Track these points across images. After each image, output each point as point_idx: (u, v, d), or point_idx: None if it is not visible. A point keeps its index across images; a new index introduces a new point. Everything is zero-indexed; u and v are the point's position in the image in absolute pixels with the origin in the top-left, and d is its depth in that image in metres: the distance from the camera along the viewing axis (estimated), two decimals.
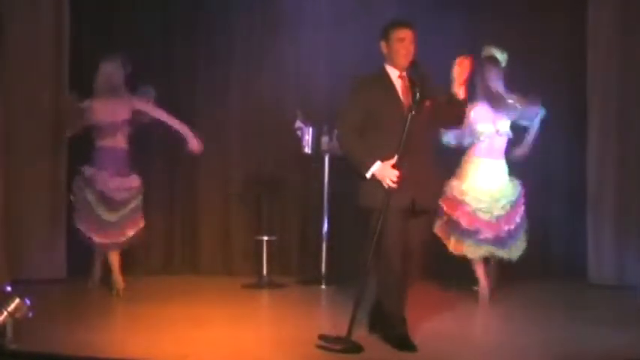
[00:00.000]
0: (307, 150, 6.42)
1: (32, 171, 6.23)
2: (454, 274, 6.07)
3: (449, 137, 5.74)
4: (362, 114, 4.34)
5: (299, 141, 6.42)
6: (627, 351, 4.33)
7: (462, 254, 5.65)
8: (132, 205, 5.98)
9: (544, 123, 5.84)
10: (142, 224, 6.04)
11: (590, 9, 6.36)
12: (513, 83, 5.81)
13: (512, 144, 5.83)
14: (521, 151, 5.83)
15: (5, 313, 4.09)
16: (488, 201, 5.64)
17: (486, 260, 5.75)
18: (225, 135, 6.91)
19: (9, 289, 4.29)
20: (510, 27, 6.60)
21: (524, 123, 5.80)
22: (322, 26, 6.80)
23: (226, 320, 5.07)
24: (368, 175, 4.25)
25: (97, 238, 5.86)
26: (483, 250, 5.64)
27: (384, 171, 4.21)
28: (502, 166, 5.78)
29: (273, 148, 6.87)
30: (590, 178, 6.40)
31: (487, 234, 5.61)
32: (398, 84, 4.36)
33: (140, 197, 6.04)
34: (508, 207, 5.69)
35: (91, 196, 5.85)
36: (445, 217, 5.65)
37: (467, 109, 4.52)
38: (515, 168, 5.85)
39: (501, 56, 5.75)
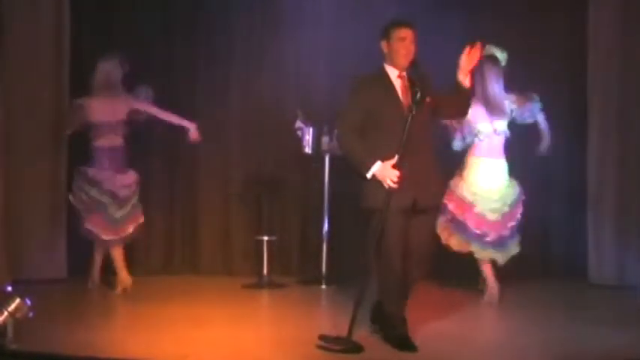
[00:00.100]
0: (308, 150, 6.42)
1: (32, 171, 6.23)
2: (454, 273, 6.09)
3: (457, 144, 5.78)
4: (362, 114, 4.34)
5: (299, 141, 6.42)
6: (627, 351, 4.33)
7: (468, 252, 5.66)
8: (133, 200, 6.05)
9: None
10: (141, 220, 6.09)
11: (591, 9, 6.36)
12: (513, 83, 5.81)
13: (509, 143, 5.83)
14: (544, 144, 5.85)
15: (6, 313, 4.09)
16: (495, 200, 5.66)
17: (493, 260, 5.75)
18: (225, 135, 6.91)
19: (9, 289, 4.30)
20: (510, 27, 6.60)
21: (523, 121, 5.81)
22: (322, 26, 6.80)
23: (226, 320, 5.07)
24: (368, 175, 4.25)
25: (105, 236, 5.91)
26: (489, 253, 5.64)
27: (384, 171, 4.21)
28: (503, 166, 5.78)
29: (274, 148, 6.87)
30: (590, 178, 6.40)
31: (492, 236, 5.62)
32: (397, 84, 4.37)
33: (137, 192, 6.08)
34: (507, 208, 5.70)
35: (100, 196, 5.88)
36: (449, 216, 5.65)
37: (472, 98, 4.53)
38: (516, 168, 5.85)
39: (501, 55, 5.75)
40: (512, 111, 5.75)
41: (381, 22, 4.47)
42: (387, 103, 4.32)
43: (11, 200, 6.02)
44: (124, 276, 5.97)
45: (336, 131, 4.63)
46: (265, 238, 6.55)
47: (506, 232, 5.68)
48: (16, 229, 6.10)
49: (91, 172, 5.94)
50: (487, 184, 5.69)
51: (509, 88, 5.76)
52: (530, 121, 5.81)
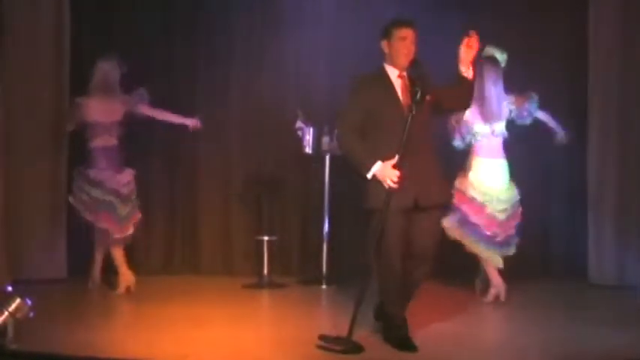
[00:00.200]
0: (308, 150, 6.42)
1: (32, 171, 6.23)
2: (454, 273, 6.08)
3: (457, 143, 5.79)
4: (361, 114, 4.33)
5: (299, 141, 6.42)
6: (627, 351, 4.33)
7: (476, 253, 5.69)
8: (133, 198, 6.09)
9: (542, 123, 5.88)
10: (139, 216, 6.12)
11: (591, 9, 6.36)
12: (513, 83, 5.81)
13: (509, 143, 5.83)
14: (559, 136, 5.88)
15: (6, 313, 4.09)
16: (502, 200, 5.67)
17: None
18: (226, 135, 6.91)
19: (10, 289, 4.30)
20: (510, 27, 6.60)
21: (523, 122, 5.81)
22: (322, 26, 6.80)
23: (227, 320, 5.07)
24: (369, 175, 4.24)
25: (116, 234, 5.92)
26: (494, 253, 5.66)
27: (384, 171, 4.20)
28: (504, 165, 5.79)
29: (274, 148, 6.87)
30: (590, 177, 6.40)
31: (501, 236, 5.64)
32: (397, 83, 4.36)
33: (135, 190, 6.13)
34: (511, 208, 5.72)
35: (105, 196, 5.90)
36: (460, 216, 5.65)
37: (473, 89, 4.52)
38: (516, 168, 5.85)
39: (501, 57, 5.75)
40: (510, 111, 5.75)
41: (381, 22, 4.46)
42: (386, 103, 4.32)
43: (11, 200, 6.02)
44: (126, 274, 5.98)
45: (336, 131, 4.63)
46: (265, 238, 6.55)
47: (512, 232, 5.71)
48: (17, 229, 6.10)
49: (91, 173, 5.95)
50: (494, 184, 5.71)
51: (509, 88, 5.76)
52: (528, 121, 5.80)
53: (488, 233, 5.62)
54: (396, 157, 4.18)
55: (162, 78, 6.76)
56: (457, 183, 5.71)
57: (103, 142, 5.96)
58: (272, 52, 6.83)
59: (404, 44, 4.32)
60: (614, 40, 6.30)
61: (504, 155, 5.79)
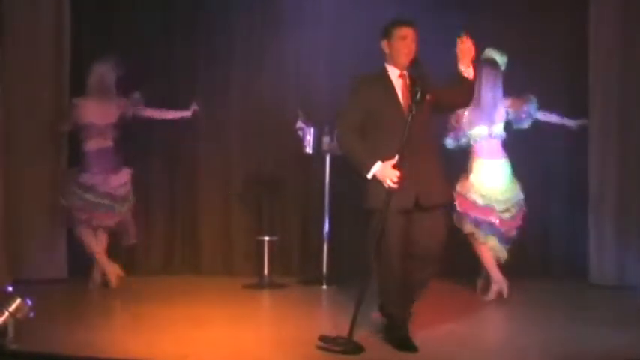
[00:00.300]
0: (308, 150, 6.41)
1: (32, 171, 6.23)
2: (454, 273, 6.08)
3: (448, 141, 5.79)
4: (361, 114, 4.33)
5: (300, 141, 6.42)
6: (627, 351, 4.33)
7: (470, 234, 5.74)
8: (130, 197, 6.13)
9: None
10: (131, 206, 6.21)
11: (591, 9, 6.36)
12: (513, 84, 5.81)
13: (508, 144, 5.84)
14: (573, 125, 5.98)
15: (7, 313, 4.10)
16: (502, 200, 5.68)
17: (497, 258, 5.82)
18: (226, 135, 6.91)
19: (10, 289, 4.30)
20: (510, 27, 6.60)
21: (520, 125, 5.81)
22: (322, 26, 6.80)
23: (227, 320, 5.07)
24: (369, 175, 4.23)
25: (107, 221, 6.02)
26: (491, 240, 5.70)
27: (384, 171, 4.19)
28: (505, 166, 5.79)
29: (274, 148, 6.86)
30: (591, 178, 6.39)
31: (501, 228, 5.68)
32: (398, 83, 4.35)
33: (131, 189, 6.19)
34: (514, 208, 5.73)
35: (99, 200, 5.92)
36: (469, 220, 5.69)
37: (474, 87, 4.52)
38: (516, 168, 5.85)
39: (501, 59, 5.75)
40: (508, 113, 5.75)
41: (381, 22, 4.46)
42: (386, 103, 4.31)
43: (11, 200, 6.03)
44: (110, 265, 6.05)
45: (336, 131, 4.62)
46: (266, 238, 6.55)
47: (512, 233, 5.73)
48: (17, 229, 6.11)
49: (83, 177, 5.97)
50: (495, 185, 5.72)
51: (509, 89, 5.76)
52: (527, 125, 5.80)
53: (502, 230, 5.69)
54: (396, 157, 4.17)
55: (162, 78, 6.76)
56: (458, 187, 5.73)
57: (97, 144, 5.99)
58: (272, 52, 6.83)
59: (404, 43, 4.32)
60: (614, 40, 6.30)
61: (505, 155, 5.80)
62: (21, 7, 6.26)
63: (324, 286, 6.40)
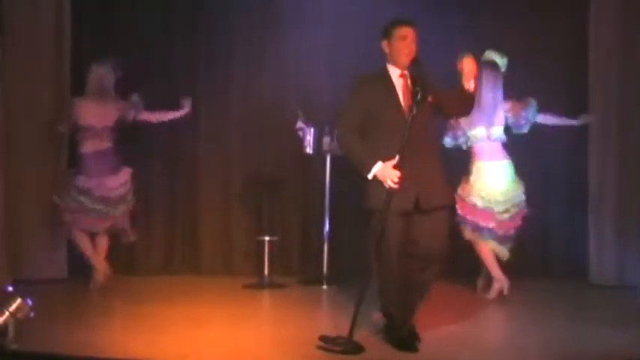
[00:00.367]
0: (309, 150, 6.41)
1: (32, 171, 6.23)
2: (455, 272, 6.08)
3: (446, 140, 5.80)
4: (361, 113, 4.32)
5: (300, 141, 6.42)
6: (627, 351, 4.33)
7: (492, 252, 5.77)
8: (129, 197, 6.13)
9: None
10: (131, 207, 6.21)
11: (592, 9, 6.36)
12: (513, 84, 5.81)
13: (507, 144, 5.85)
14: (578, 122, 5.99)
15: (7, 313, 4.10)
16: (502, 201, 5.69)
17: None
18: (226, 135, 6.91)
19: (10, 289, 4.30)
20: (510, 27, 6.61)
21: (519, 130, 5.80)
22: (322, 26, 6.80)
23: (227, 320, 5.07)
24: (369, 176, 4.22)
25: (97, 227, 6.00)
26: (492, 243, 5.71)
27: (385, 171, 4.18)
28: (507, 167, 5.79)
29: (274, 148, 6.86)
30: (591, 178, 6.39)
31: (499, 231, 5.70)
32: (399, 83, 4.34)
33: (133, 186, 6.18)
34: (515, 209, 5.74)
35: (93, 204, 5.94)
36: (470, 225, 5.72)
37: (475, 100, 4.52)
38: (516, 168, 5.85)
39: (501, 61, 5.75)
40: (507, 118, 5.76)
41: (381, 22, 4.45)
42: (387, 103, 4.30)
43: (11, 200, 6.03)
44: (102, 264, 6.05)
45: (336, 131, 4.62)
46: (266, 238, 6.55)
47: (510, 232, 5.74)
48: (17, 229, 6.11)
49: (79, 180, 5.97)
50: (496, 186, 5.73)
51: (509, 89, 5.76)
52: (526, 130, 5.80)
53: (498, 232, 5.71)
54: (397, 157, 4.15)
55: (162, 78, 6.76)
56: (459, 190, 5.75)
57: (94, 146, 5.99)
58: (272, 52, 6.83)
59: (404, 43, 4.30)
60: (614, 40, 6.30)
61: (506, 156, 5.79)
62: (21, 7, 6.25)
63: (324, 286, 6.40)
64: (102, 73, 6.01)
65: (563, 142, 6.52)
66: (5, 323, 4.09)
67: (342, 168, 5.88)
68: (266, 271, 6.50)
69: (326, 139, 6.34)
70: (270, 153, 6.88)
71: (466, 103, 4.43)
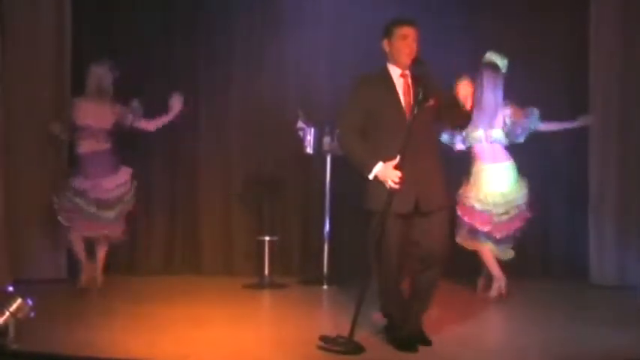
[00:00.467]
0: (309, 150, 6.41)
1: (32, 171, 6.23)
2: (455, 273, 6.08)
3: (444, 136, 5.84)
4: (361, 113, 4.30)
5: (300, 141, 6.42)
6: (627, 351, 4.33)
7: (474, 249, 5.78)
8: (127, 197, 6.11)
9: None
10: (131, 208, 6.18)
11: (592, 9, 6.36)
12: (513, 84, 5.80)
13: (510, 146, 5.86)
14: (578, 124, 5.97)
15: (7, 313, 4.10)
16: (501, 204, 5.69)
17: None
18: (226, 135, 6.91)
19: (11, 289, 4.30)
20: (510, 27, 6.61)
21: (515, 139, 5.79)
22: (322, 26, 6.80)
23: (227, 320, 5.07)
24: (370, 176, 4.21)
25: (91, 232, 5.98)
26: (490, 245, 5.71)
27: (386, 172, 4.16)
28: (508, 169, 5.79)
29: (274, 148, 6.86)
30: (591, 178, 6.40)
31: (497, 235, 5.70)
32: (399, 83, 4.31)
33: (133, 186, 6.15)
34: (514, 211, 5.73)
35: (87, 206, 5.92)
36: (467, 228, 5.74)
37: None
38: (517, 168, 5.85)
39: (502, 62, 5.74)
40: (505, 123, 5.74)
41: (381, 22, 4.43)
42: (387, 103, 4.28)
43: (11, 200, 6.03)
44: (99, 276, 6.06)
45: (336, 131, 4.61)
46: (266, 238, 6.55)
47: (508, 234, 5.74)
48: (17, 230, 6.10)
49: (75, 181, 5.97)
50: (496, 188, 5.73)
51: (509, 90, 5.75)
52: (521, 139, 5.78)
53: (492, 233, 5.70)
54: (398, 157, 4.14)
55: (162, 78, 6.76)
56: (460, 191, 5.76)
57: (91, 147, 5.98)
58: (272, 52, 6.83)
59: (405, 43, 4.28)
60: (615, 41, 6.30)
61: (508, 158, 5.78)
62: (21, 7, 6.25)
63: (325, 286, 6.40)
64: (100, 74, 6.01)
65: (564, 142, 6.52)
66: (6, 323, 4.09)
67: (343, 168, 5.89)
68: (266, 271, 6.50)
69: (326, 139, 6.34)
70: (271, 153, 6.88)
71: (462, 120, 4.41)
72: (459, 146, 5.85)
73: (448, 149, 5.79)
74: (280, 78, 6.87)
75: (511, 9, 6.68)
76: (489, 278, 5.85)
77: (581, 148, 6.42)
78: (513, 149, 5.84)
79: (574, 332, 4.78)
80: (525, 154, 6.04)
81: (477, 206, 5.72)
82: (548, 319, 5.15)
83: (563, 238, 6.73)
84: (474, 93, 4.26)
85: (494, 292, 5.73)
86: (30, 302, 4.18)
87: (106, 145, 6.02)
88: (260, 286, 6.40)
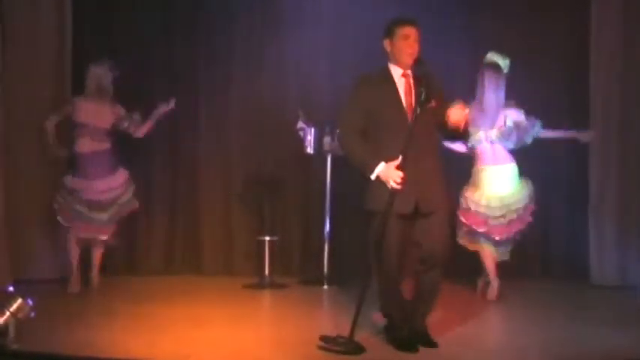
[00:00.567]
0: (309, 150, 6.41)
1: (32, 171, 6.23)
2: (456, 273, 6.08)
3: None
4: (362, 113, 4.28)
5: (300, 141, 6.42)
6: (628, 351, 4.33)
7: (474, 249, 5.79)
8: (123, 199, 6.08)
9: (546, 123, 5.87)
10: (136, 205, 6.17)
11: (593, 9, 6.36)
12: (513, 84, 5.80)
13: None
14: (581, 138, 5.94)
15: (8, 313, 4.10)
16: (500, 206, 5.69)
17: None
18: (226, 135, 6.91)
19: (11, 289, 4.30)
20: (510, 27, 6.61)
21: (505, 141, 5.78)
22: (322, 26, 6.80)
23: (227, 320, 5.07)
24: (372, 176, 4.20)
25: (84, 234, 5.96)
26: (489, 246, 5.72)
27: (388, 172, 4.15)
28: (510, 171, 5.78)
29: (274, 148, 6.86)
30: (592, 178, 6.40)
31: (496, 236, 5.69)
32: (400, 83, 4.30)
33: (131, 188, 6.12)
34: (514, 214, 5.73)
35: (79, 206, 5.89)
36: (465, 229, 5.73)
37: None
38: (518, 168, 5.85)
39: (503, 62, 5.73)
40: (505, 125, 5.72)
41: (382, 22, 4.42)
42: (388, 103, 4.26)
43: (12, 200, 6.03)
44: (95, 277, 6.07)
45: (337, 132, 4.60)
46: (267, 238, 6.55)
47: (510, 236, 5.74)
48: (18, 230, 6.10)
49: (70, 180, 5.96)
50: (498, 190, 5.72)
51: (509, 90, 5.74)
52: (510, 146, 5.74)
53: (489, 235, 5.71)
54: (400, 157, 4.13)
55: (162, 78, 6.77)
56: (462, 192, 5.75)
57: (89, 147, 5.97)
58: (272, 52, 6.83)
59: (407, 43, 4.26)
60: (615, 41, 6.30)
61: (511, 160, 5.77)
62: (21, 7, 6.25)
63: (325, 287, 6.40)
64: (100, 74, 6.01)
65: (564, 142, 6.51)
66: (6, 323, 4.09)
67: (343, 168, 5.89)
68: (266, 271, 6.50)
69: (327, 139, 6.34)
70: (271, 153, 6.88)
71: (453, 138, 4.41)
72: (459, 148, 5.83)
73: (449, 149, 5.79)
74: (280, 78, 6.87)
75: (511, 9, 6.68)
76: (489, 279, 5.84)
77: (581, 148, 6.41)
78: (514, 149, 5.84)
79: (574, 332, 4.78)
80: (525, 154, 6.04)
81: (473, 207, 5.73)
82: (549, 320, 5.16)
83: (563, 238, 6.73)
84: (468, 115, 4.26)
85: (492, 293, 5.71)
86: (30, 302, 4.18)
87: (105, 146, 6.01)
88: (260, 286, 6.40)
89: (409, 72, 4.31)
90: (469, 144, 5.78)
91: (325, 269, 6.50)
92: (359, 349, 4.16)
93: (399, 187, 4.13)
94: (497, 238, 5.70)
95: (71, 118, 5.98)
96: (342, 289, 6.14)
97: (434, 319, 4.63)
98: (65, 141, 6.06)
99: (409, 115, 4.19)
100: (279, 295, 6.20)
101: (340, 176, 6.38)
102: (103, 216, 5.98)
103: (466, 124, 4.26)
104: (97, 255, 6.11)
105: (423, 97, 4.12)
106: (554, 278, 6.59)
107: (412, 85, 4.29)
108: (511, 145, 5.74)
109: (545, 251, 6.74)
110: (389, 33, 4.33)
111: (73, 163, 6.07)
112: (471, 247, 5.81)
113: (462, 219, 5.74)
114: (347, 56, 6.63)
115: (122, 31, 6.71)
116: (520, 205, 5.75)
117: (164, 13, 6.89)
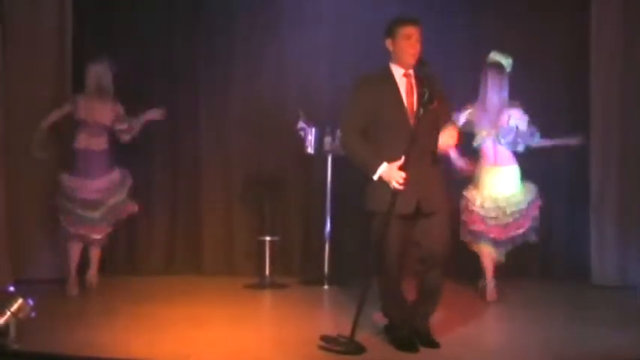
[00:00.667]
0: (310, 150, 6.41)
1: (32, 171, 6.22)
2: (456, 273, 6.08)
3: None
4: (363, 114, 4.27)
5: (301, 141, 6.41)
6: (628, 351, 4.33)
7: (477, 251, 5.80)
8: (115, 200, 6.04)
9: (546, 123, 5.87)
10: (135, 209, 6.14)
11: (593, 10, 6.36)
12: (513, 84, 5.80)
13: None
14: (574, 142, 5.90)
15: (8, 313, 4.10)
16: (493, 207, 5.69)
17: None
18: (226, 135, 6.91)
19: (12, 289, 4.30)
20: (510, 27, 6.61)
21: (505, 141, 5.78)
22: (322, 26, 6.80)
23: (228, 320, 5.08)
24: (375, 176, 4.18)
25: (82, 231, 5.94)
26: (488, 246, 5.72)
27: (390, 173, 4.14)
28: (512, 172, 5.77)
29: (275, 148, 6.86)
30: (592, 178, 6.40)
31: (497, 236, 5.69)
32: (402, 83, 4.28)
33: (126, 189, 6.09)
34: (515, 215, 5.72)
35: (72, 205, 5.89)
36: (467, 228, 5.74)
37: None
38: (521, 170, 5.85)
39: (506, 62, 5.72)
40: (508, 125, 5.71)
41: (382, 22, 4.41)
42: (389, 103, 4.25)
43: (12, 200, 6.02)
44: (92, 277, 6.06)
45: (338, 132, 4.60)
46: (267, 238, 6.55)
47: (509, 237, 5.73)
48: (18, 230, 6.10)
49: (65, 178, 5.95)
50: (500, 191, 5.72)
51: (510, 93, 5.73)
52: (508, 147, 5.75)
53: (488, 234, 5.70)
54: (402, 158, 4.12)
55: (162, 78, 6.77)
56: (464, 193, 5.75)
57: (87, 144, 5.95)
58: (272, 52, 6.83)
59: (409, 43, 4.24)
60: (615, 41, 6.30)
61: (514, 161, 5.76)
62: (22, 7, 6.25)
63: (326, 287, 6.40)
64: (99, 72, 6.00)
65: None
66: (7, 323, 4.10)
67: (344, 168, 5.89)
68: (267, 271, 6.50)
69: (327, 139, 6.34)
70: (271, 153, 6.88)
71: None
72: (453, 155, 5.81)
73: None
74: (280, 78, 6.87)
75: (511, 9, 6.67)
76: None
77: (581, 148, 6.41)
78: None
79: (574, 332, 4.78)
80: (526, 153, 6.04)
81: (471, 206, 5.72)
82: (549, 320, 5.16)
83: (563, 238, 6.72)
84: (458, 139, 4.33)
85: (489, 295, 5.71)
86: (31, 302, 4.19)
87: (103, 146, 6.00)
88: (261, 286, 6.40)
89: (411, 72, 4.30)
90: (474, 144, 5.76)
91: (326, 269, 6.50)
92: (360, 349, 4.16)
93: (401, 187, 4.12)
94: (492, 236, 5.68)
95: (72, 117, 5.97)
96: (342, 289, 6.14)
97: (435, 320, 4.64)
98: (67, 139, 6.06)
99: (410, 116, 4.19)
100: (279, 295, 6.20)
101: (341, 176, 6.38)
102: (95, 214, 5.95)
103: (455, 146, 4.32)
104: (94, 255, 6.10)
105: (426, 98, 4.10)
106: (555, 278, 6.59)
107: (413, 85, 4.28)
108: (508, 147, 5.73)
109: (545, 251, 6.73)
110: (390, 32, 4.30)
111: (72, 162, 6.05)
112: (473, 246, 5.80)
113: (463, 218, 5.75)
114: (347, 56, 6.62)
115: (122, 31, 6.71)
116: (515, 209, 5.72)
117: (164, 13, 6.89)
